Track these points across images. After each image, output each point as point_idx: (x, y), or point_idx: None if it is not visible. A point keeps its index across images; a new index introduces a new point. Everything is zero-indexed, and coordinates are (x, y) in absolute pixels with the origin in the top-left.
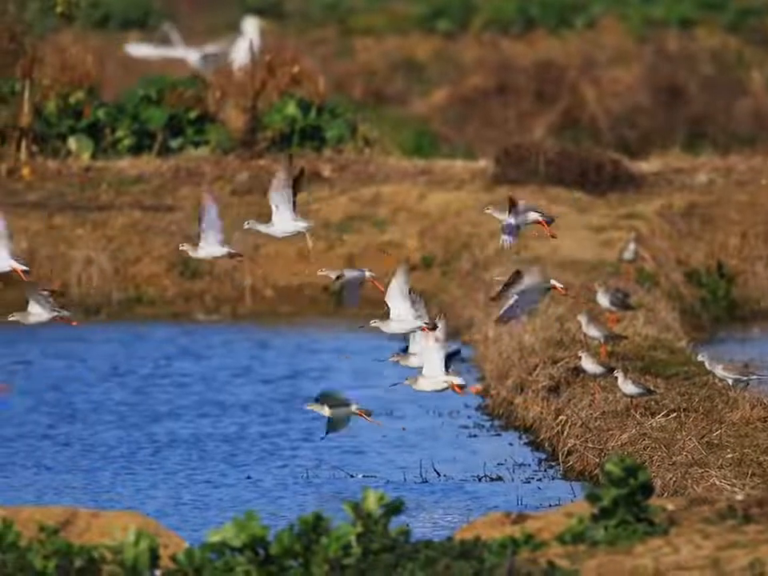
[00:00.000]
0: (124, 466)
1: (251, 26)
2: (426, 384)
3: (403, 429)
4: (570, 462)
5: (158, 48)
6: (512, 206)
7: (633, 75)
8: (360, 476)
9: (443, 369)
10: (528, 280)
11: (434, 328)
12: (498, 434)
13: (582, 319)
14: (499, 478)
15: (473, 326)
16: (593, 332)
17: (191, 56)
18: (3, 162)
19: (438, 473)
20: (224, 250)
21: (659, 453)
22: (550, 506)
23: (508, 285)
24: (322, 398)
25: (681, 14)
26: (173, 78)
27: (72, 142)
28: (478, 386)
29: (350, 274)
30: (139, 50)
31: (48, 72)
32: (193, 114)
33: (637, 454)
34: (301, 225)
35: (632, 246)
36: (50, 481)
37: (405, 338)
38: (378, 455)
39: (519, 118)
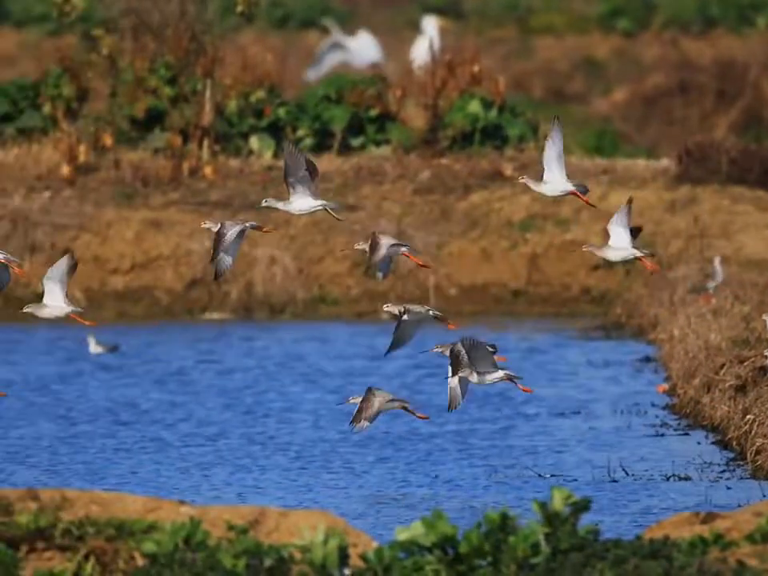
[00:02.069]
0: (320, 465)
1: (430, 25)
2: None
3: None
4: (759, 462)
5: (328, 57)
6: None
7: None
8: (548, 475)
9: None
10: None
11: None
12: (686, 434)
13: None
14: (687, 478)
15: (658, 324)
16: None
17: (356, 47)
18: (186, 161)
19: (626, 471)
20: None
21: None
22: (739, 505)
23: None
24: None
25: None
26: (353, 77)
27: (253, 141)
28: (665, 386)
29: (389, 248)
30: (318, 72)
31: (229, 71)
32: (373, 113)
33: None
34: (319, 203)
35: None
36: (246, 480)
37: None
38: (565, 454)
39: (701, 117)
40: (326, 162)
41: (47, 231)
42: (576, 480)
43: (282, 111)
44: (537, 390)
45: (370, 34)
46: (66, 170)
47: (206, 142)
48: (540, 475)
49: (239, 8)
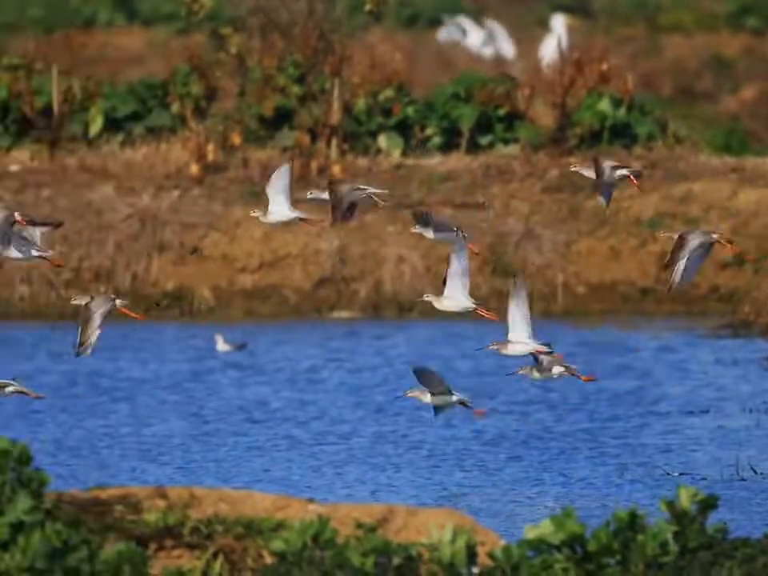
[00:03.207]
0: (453, 463)
1: (559, 24)
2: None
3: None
4: None
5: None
6: (597, 165)
7: None
8: (677, 473)
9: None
10: (694, 238)
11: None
12: None
13: None
14: None
15: None
16: None
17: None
18: (314, 159)
19: (754, 470)
20: (293, 215)
21: None
22: None
23: (676, 249)
24: (422, 378)
25: None
26: (482, 76)
27: (382, 140)
28: None
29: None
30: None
31: (357, 70)
32: (502, 112)
33: None
34: (366, 191)
35: None
36: (380, 478)
37: None
38: (696, 453)
39: None
40: (455, 161)
41: (175, 230)
42: (705, 479)
43: (410, 110)
44: (668, 388)
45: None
46: (194, 168)
47: (334, 141)
48: (668, 474)
49: (368, 6)
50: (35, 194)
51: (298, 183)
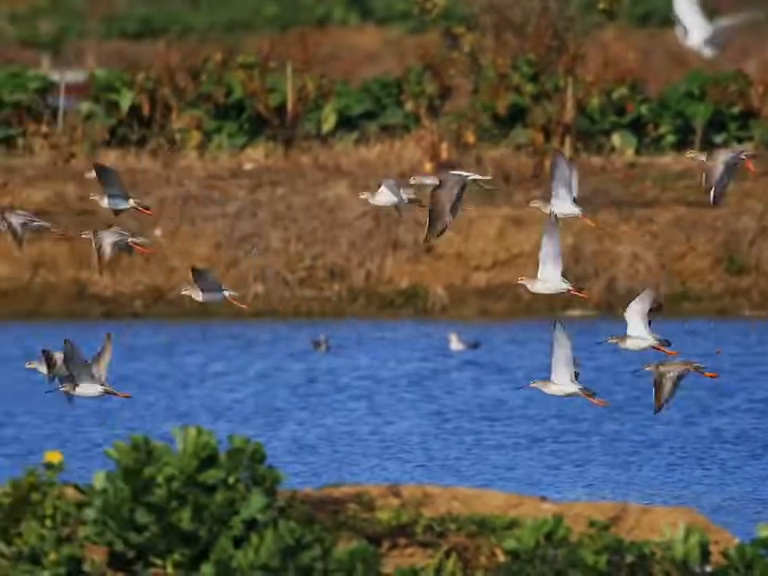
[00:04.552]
0: (694, 461)
1: None
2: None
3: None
4: None
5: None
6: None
7: None
8: None
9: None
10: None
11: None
12: None
13: None
14: None
15: None
16: None
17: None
18: (547, 158)
19: None
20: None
21: None
22: None
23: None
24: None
25: None
26: (715, 74)
27: (615, 138)
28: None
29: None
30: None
31: (591, 68)
32: (736, 110)
33: None
34: (471, 176)
35: None
36: (620, 476)
37: None
38: None
39: None
40: (689, 159)
41: (409, 228)
42: None
43: (643, 108)
44: None
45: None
46: (428, 166)
47: (567, 139)
48: None
49: (601, 5)
50: (270, 192)
51: (531, 181)
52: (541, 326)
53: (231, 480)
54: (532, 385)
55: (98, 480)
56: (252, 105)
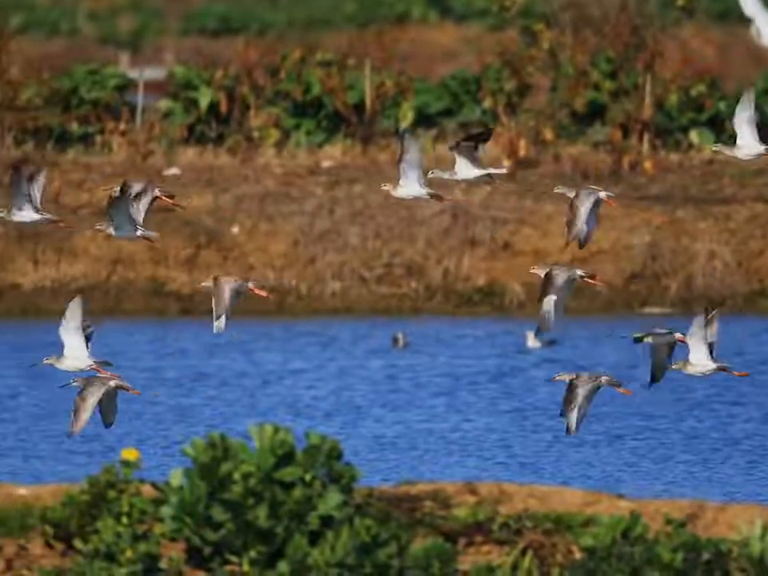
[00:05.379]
0: (750, 459)
1: None
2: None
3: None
4: None
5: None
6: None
7: None
8: None
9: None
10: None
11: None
12: None
13: None
14: None
15: None
16: None
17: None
18: (626, 155)
19: None
20: (423, 191)
21: None
22: None
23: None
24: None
25: None
26: None
27: (693, 135)
28: None
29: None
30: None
31: (669, 65)
32: None
33: None
34: (483, 171)
35: None
36: (700, 474)
37: None
38: None
39: None
40: None
41: (487, 225)
42: None
43: (722, 105)
44: None
45: None
46: (506, 164)
47: (645, 136)
48: None
49: (680, 2)
50: (347, 189)
51: (610, 178)
52: (618, 322)
53: (308, 477)
54: (558, 377)
55: (175, 477)
56: (330, 102)
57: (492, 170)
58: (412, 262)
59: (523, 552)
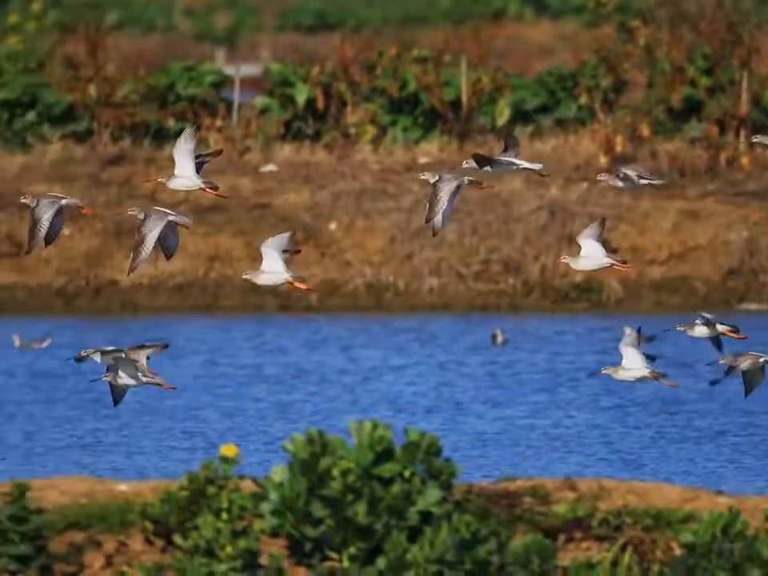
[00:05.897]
0: None
1: None
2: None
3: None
4: None
5: None
6: None
7: None
8: None
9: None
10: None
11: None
12: None
13: None
14: None
15: None
16: None
17: None
18: (723, 151)
19: None
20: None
21: None
22: None
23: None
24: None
25: None
26: None
27: None
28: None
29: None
30: None
31: (766, 62)
32: None
33: None
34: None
35: None
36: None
37: None
38: None
39: None
40: None
41: (584, 222)
42: None
43: None
44: None
45: None
46: (603, 160)
47: (742, 132)
48: None
49: None
50: None
51: (705, 175)
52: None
53: (407, 473)
54: (603, 371)
55: (276, 473)
56: (427, 99)
57: (527, 165)
58: (509, 259)
59: (623, 548)
